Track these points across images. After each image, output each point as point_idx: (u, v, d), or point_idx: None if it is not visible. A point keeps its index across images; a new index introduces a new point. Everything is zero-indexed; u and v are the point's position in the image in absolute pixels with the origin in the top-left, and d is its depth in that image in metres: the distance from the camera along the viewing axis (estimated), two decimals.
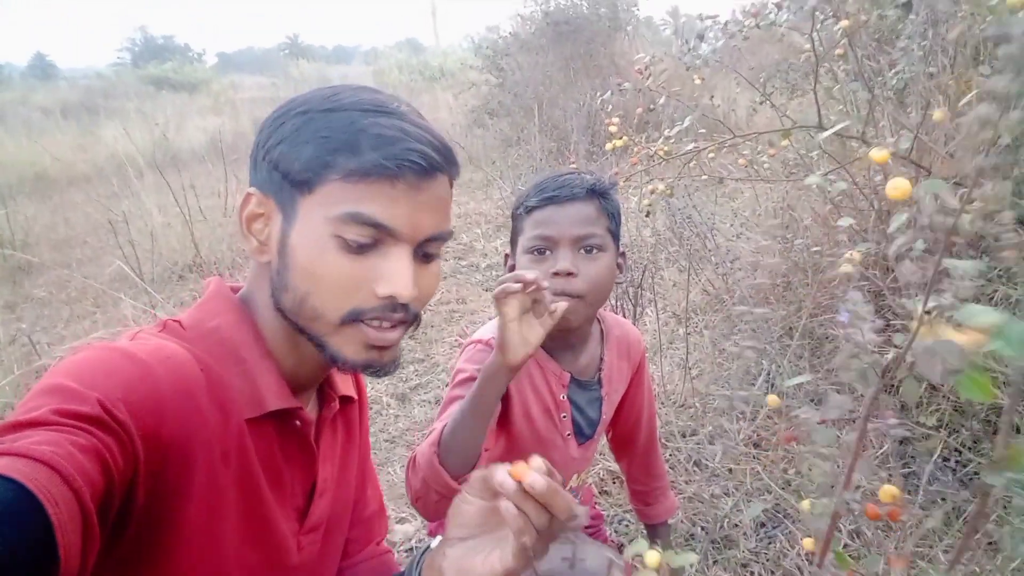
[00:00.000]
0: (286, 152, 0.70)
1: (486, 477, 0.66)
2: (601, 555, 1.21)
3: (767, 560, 1.81)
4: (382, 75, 15.93)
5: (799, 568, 1.74)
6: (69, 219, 6.40)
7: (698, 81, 1.87)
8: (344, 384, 0.90)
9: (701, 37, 1.60)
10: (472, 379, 1.17)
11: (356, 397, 0.94)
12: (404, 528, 2.08)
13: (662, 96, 1.75)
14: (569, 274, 1.11)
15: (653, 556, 0.60)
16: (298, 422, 0.77)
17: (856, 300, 0.58)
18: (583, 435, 1.33)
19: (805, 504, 0.71)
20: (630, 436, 1.47)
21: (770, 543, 1.85)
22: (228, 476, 0.69)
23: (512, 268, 1.21)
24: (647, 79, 1.65)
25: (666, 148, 1.90)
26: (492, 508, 0.67)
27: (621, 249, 1.23)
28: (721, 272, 3.08)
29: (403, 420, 2.71)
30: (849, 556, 0.70)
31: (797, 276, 2.73)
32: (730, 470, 2.11)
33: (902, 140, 0.81)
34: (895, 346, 0.59)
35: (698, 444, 2.24)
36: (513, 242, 1.23)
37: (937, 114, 1.17)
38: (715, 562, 1.82)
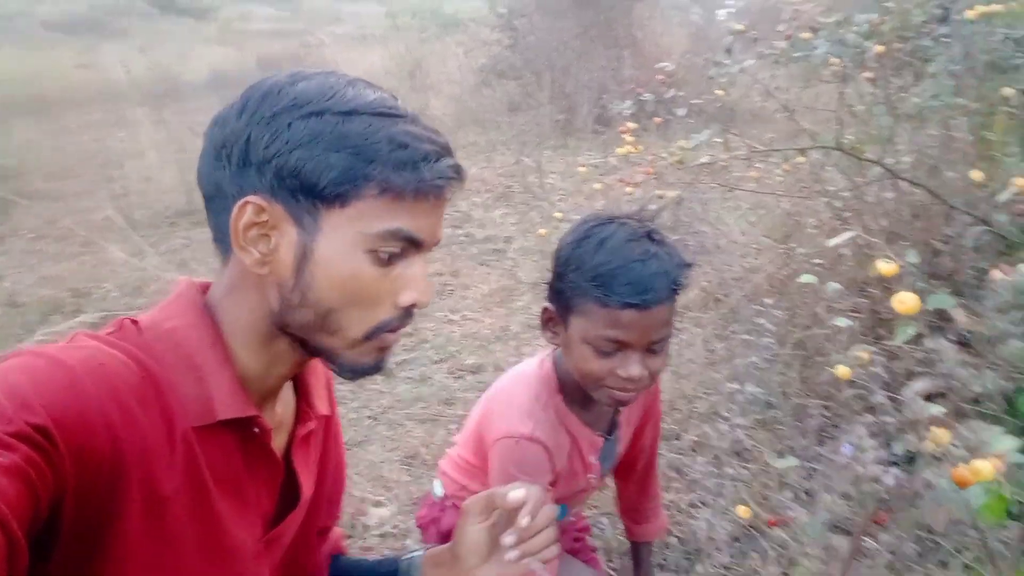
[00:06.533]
0: (306, 160, 0.65)
1: (490, 496, 0.82)
2: None
3: None
4: (395, 17, 15.46)
5: None
6: (65, 147, 6.27)
7: (720, 92, 1.81)
8: (321, 403, 0.88)
9: (729, 51, 1.54)
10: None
11: (330, 414, 0.92)
12: (380, 512, 2.08)
13: (683, 108, 1.69)
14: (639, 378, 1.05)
15: None
16: (256, 429, 0.74)
17: (860, 434, 0.56)
18: (600, 475, 1.32)
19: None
20: (632, 463, 1.46)
21: (744, 558, 1.86)
22: (172, 487, 0.66)
23: (551, 320, 1.13)
24: (668, 90, 1.60)
25: (679, 157, 1.86)
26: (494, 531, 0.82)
27: None
28: (716, 267, 3.04)
29: (387, 397, 2.68)
30: None
31: (794, 285, 2.69)
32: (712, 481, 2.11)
33: (910, 255, 0.80)
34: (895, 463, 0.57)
35: (680, 453, 2.24)
36: (559, 300, 1.10)
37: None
38: (687, 574, 1.83)
